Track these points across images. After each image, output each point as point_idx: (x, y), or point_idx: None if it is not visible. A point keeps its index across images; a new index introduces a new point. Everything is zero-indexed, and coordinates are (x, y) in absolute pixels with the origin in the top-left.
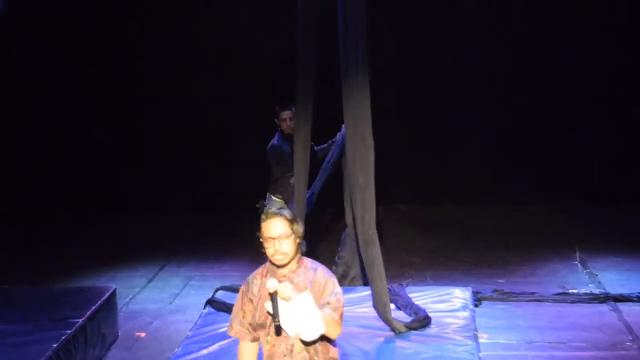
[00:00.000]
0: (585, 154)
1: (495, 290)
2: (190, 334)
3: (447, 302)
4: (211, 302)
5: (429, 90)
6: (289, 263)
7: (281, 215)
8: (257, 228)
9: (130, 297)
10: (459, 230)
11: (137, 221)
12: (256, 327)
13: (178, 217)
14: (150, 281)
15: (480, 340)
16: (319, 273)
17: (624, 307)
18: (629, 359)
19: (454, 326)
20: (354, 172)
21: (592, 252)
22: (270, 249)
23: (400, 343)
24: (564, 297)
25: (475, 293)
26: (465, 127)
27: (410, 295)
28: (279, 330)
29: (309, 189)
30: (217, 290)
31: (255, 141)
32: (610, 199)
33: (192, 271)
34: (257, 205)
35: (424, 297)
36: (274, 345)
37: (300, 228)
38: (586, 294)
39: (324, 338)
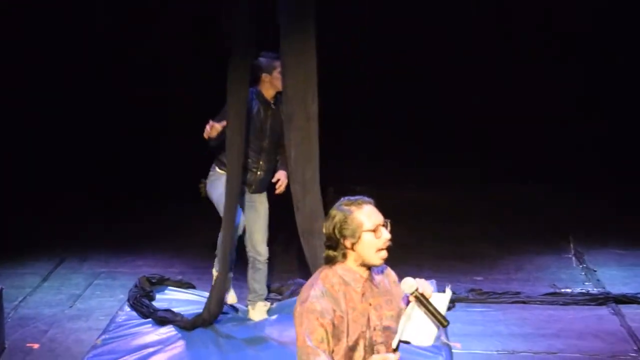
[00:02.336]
0: (583, 129)
1: (472, 290)
2: (99, 342)
3: None
4: (134, 304)
5: (398, 53)
6: None
7: (370, 199)
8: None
9: (20, 299)
10: (427, 216)
11: (27, 203)
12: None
13: (80, 198)
14: (44, 279)
15: (453, 351)
16: (390, 270)
17: (626, 309)
18: None
19: None
20: (290, 144)
21: (589, 244)
22: (380, 241)
23: None
24: (555, 298)
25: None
26: (438, 94)
27: None
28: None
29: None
30: (152, 283)
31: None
32: (611, 181)
33: (98, 266)
34: (201, 185)
35: None
36: None
37: None
38: (581, 294)
39: None
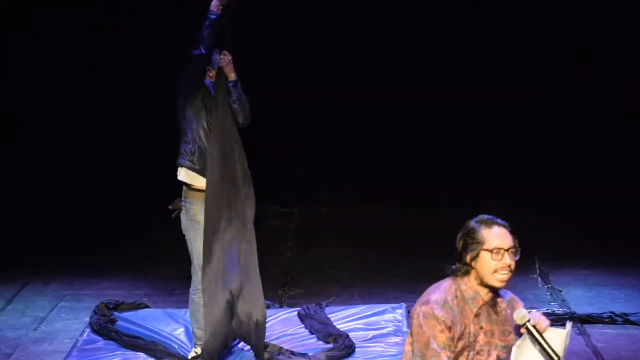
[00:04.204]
0: (544, 148)
1: None
2: None
3: (376, 325)
4: (100, 331)
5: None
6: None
7: (505, 223)
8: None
9: None
10: (394, 237)
11: None
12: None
13: (45, 220)
14: (8, 302)
15: None
16: (518, 301)
17: (592, 329)
18: None
19: (385, 355)
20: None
21: (555, 264)
22: (498, 263)
23: None
24: None
25: (410, 313)
26: (400, 111)
27: (332, 318)
28: None
29: None
30: (109, 308)
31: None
32: (577, 202)
33: (63, 289)
34: (170, 207)
35: (349, 319)
36: None
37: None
38: (547, 315)
39: None
